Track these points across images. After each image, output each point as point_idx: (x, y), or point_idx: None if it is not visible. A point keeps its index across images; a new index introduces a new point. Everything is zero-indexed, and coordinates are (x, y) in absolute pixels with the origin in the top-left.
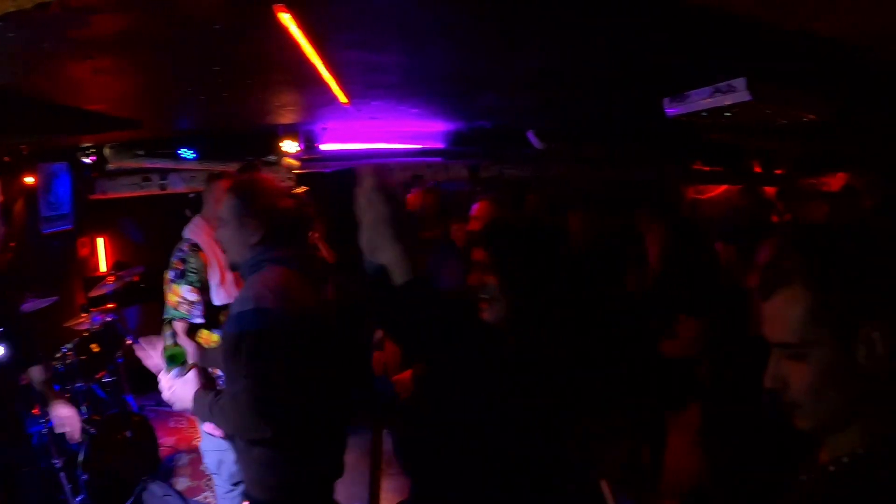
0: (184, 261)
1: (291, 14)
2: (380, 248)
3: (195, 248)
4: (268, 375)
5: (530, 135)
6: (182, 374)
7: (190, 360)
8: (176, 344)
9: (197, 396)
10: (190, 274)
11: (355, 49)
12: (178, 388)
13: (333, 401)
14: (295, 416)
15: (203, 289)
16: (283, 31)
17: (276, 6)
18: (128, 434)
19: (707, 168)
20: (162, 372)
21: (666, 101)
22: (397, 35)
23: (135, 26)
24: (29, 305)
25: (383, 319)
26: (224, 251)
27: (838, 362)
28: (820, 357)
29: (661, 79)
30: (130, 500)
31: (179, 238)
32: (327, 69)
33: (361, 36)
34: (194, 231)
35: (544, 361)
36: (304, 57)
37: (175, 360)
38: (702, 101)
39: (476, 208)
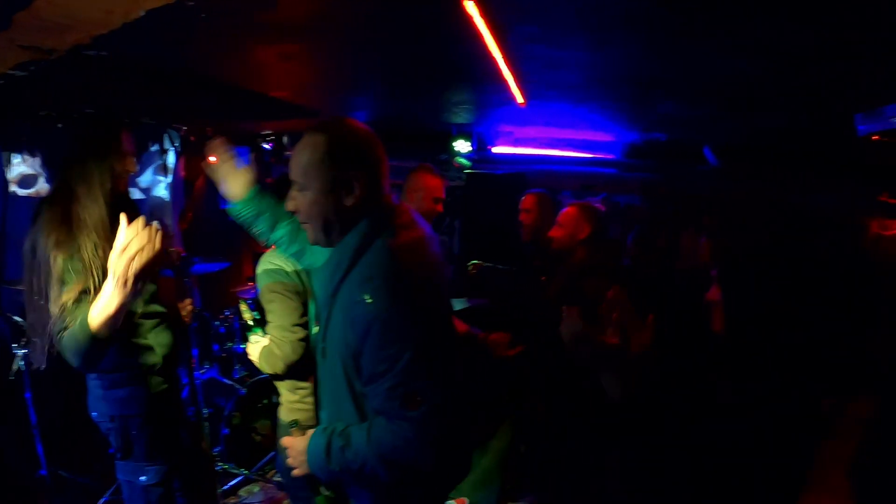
0: None
1: (475, 3)
2: None
3: None
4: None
5: (707, 151)
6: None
7: None
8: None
9: None
10: None
11: (536, 43)
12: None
13: None
14: None
15: None
16: (467, 23)
17: None
18: (274, 399)
19: None
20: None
21: (858, 116)
22: (579, 28)
23: (323, 12)
24: (199, 267)
25: None
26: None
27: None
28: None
29: (856, 91)
30: (262, 462)
31: None
32: (507, 65)
33: (543, 28)
34: None
35: None
36: (485, 51)
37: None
38: None
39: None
